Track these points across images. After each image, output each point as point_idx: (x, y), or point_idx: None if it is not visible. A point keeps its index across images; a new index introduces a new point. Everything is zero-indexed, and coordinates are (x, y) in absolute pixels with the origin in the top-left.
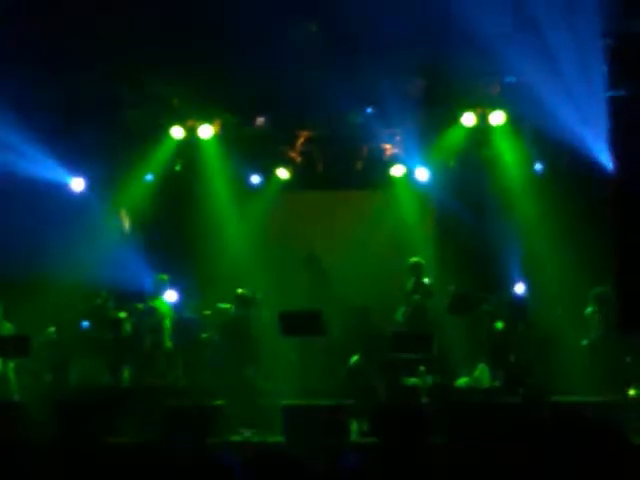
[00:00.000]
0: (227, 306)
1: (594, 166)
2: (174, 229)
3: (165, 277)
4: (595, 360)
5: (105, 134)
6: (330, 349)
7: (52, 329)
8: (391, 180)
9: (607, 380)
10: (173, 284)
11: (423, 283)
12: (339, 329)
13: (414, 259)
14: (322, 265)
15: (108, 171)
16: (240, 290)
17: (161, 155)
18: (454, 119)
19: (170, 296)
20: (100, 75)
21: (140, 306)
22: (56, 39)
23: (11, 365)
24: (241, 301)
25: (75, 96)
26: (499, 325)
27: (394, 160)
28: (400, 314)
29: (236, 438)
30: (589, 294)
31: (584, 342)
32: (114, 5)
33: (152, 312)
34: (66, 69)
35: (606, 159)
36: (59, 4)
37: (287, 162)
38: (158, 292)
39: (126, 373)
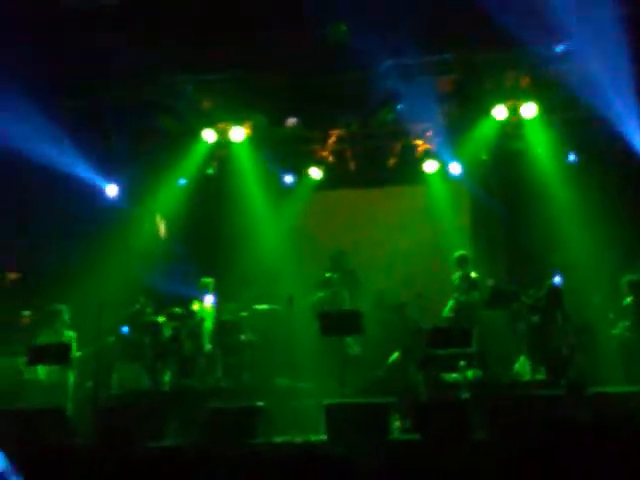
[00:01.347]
0: (264, 307)
1: (629, 155)
2: (209, 232)
3: (209, 280)
4: (631, 349)
5: (137, 139)
6: (370, 347)
7: None
8: (424, 176)
9: None
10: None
11: (470, 277)
12: (378, 327)
13: (460, 252)
14: (350, 262)
15: (142, 177)
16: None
17: (193, 159)
18: (486, 112)
19: (208, 299)
20: (131, 80)
21: (179, 310)
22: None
23: (71, 374)
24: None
25: (107, 103)
26: (536, 317)
27: (427, 156)
28: (448, 310)
29: (280, 438)
30: (621, 282)
31: (615, 331)
32: (143, 7)
33: (191, 315)
34: (98, 75)
35: None
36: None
37: (319, 161)
38: (203, 295)
39: (167, 377)
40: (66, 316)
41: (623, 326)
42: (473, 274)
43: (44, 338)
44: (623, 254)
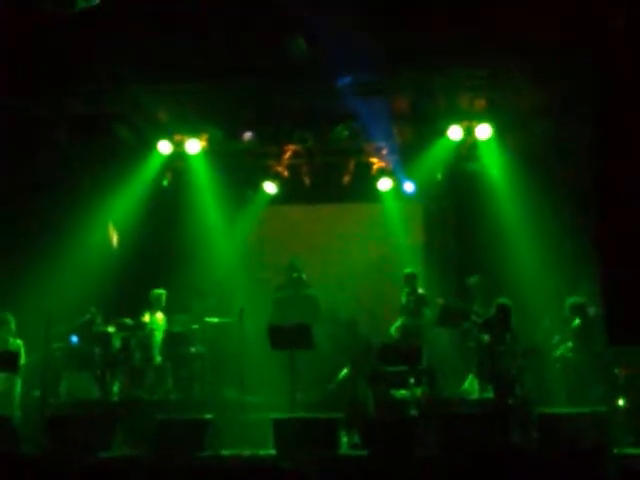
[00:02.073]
0: (215, 319)
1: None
2: (162, 243)
3: (161, 291)
4: (573, 371)
5: (92, 149)
6: (319, 362)
7: None
8: (379, 194)
9: (592, 391)
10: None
11: (418, 294)
12: (327, 342)
13: (409, 270)
14: (302, 273)
15: (95, 186)
16: None
17: (148, 170)
18: (441, 133)
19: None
20: (87, 89)
21: (129, 321)
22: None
23: (18, 382)
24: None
25: (62, 110)
26: (486, 337)
27: (381, 174)
28: (394, 329)
29: (228, 451)
30: (565, 305)
31: (557, 353)
32: (102, 21)
33: (141, 326)
34: (55, 84)
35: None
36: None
37: (274, 176)
38: (155, 307)
39: (116, 387)
40: (12, 324)
41: (565, 347)
42: (421, 291)
43: None
44: (571, 275)
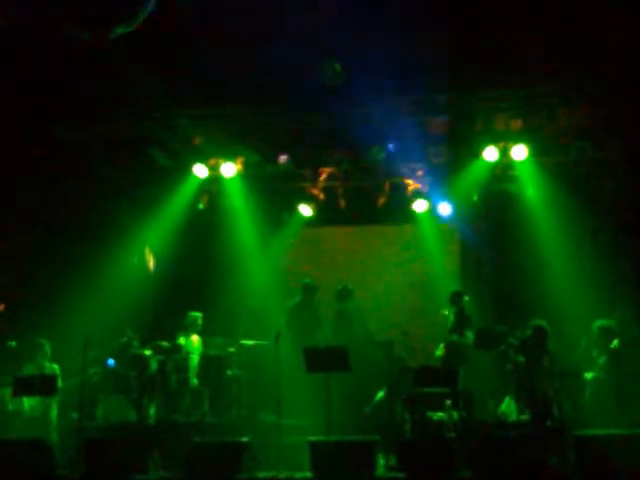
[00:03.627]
0: (251, 342)
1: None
2: (198, 266)
3: (197, 314)
4: (613, 393)
5: (128, 173)
6: (356, 384)
7: None
8: (414, 215)
9: (631, 413)
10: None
11: (464, 313)
12: (364, 364)
13: (455, 288)
14: (354, 299)
15: (132, 210)
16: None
17: (184, 193)
18: (476, 154)
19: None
20: (125, 113)
21: (165, 343)
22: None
23: (54, 406)
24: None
25: (100, 134)
26: (522, 358)
27: (416, 195)
28: (440, 349)
29: (264, 474)
30: (593, 327)
31: (588, 375)
32: (141, 40)
33: (178, 350)
34: (92, 110)
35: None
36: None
37: (310, 199)
38: (190, 329)
39: (152, 410)
40: (47, 349)
41: (600, 369)
42: (467, 310)
43: (27, 371)
44: (609, 297)
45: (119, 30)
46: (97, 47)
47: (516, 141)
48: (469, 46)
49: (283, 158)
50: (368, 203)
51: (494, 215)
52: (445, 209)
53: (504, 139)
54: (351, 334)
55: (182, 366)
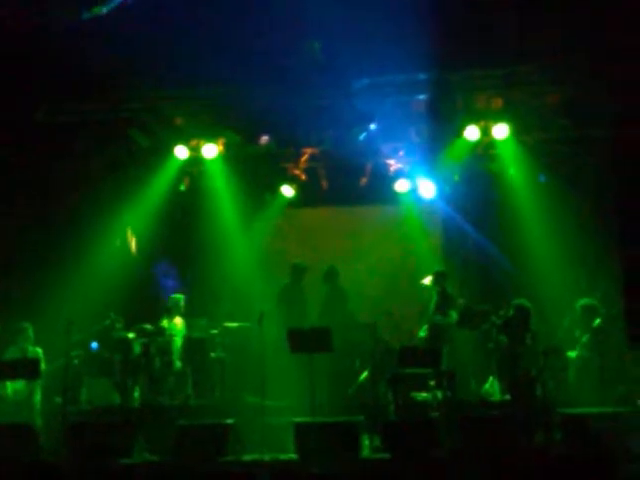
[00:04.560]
0: (234, 324)
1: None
2: (180, 248)
3: (179, 297)
4: (596, 371)
5: (109, 154)
6: (339, 365)
7: None
8: (396, 195)
9: (613, 391)
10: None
11: (447, 292)
12: (347, 345)
13: (439, 268)
14: (340, 280)
15: (113, 192)
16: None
17: (165, 175)
18: (458, 133)
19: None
20: (104, 94)
21: (149, 326)
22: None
23: (38, 390)
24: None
25: (80, 116)
26: (505, 338)
27: (398, 175)
28: (423, 330)
29: (249, 456)
30: (576, 306)
31: (572, 354)
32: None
33: (161, 332)
34: (72, 92)
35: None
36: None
37: (291, 180)
38: (173, 312)
39: (136, 393)
40: (30, 333)
41: (583, 347)
42: (449, 290)
43: (9, 355)
44: (591, 275)
45: (94, 10)
46: (76, 25)
47: (497, 120)
48: (450, 24)
49: (264, 139)
50: (350, 183)
51: (476, 194)
52: (428, 189)
53: (485, 118)
54: (341, 314)
55: (166, 349)
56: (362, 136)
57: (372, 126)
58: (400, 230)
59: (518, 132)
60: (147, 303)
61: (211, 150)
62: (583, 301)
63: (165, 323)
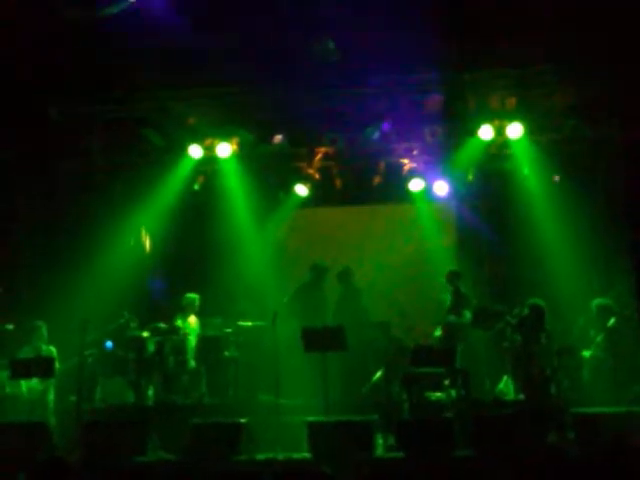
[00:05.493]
0: (248, 323)
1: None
2: (194, 247)
3: (194, 296)
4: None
5: (123, 154)
6: (353, 364)
7: None
8: (410, 194)
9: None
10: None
11: (461, 292)
12: (361, 344)
13: (452, 268)
14: (355, 280)
15: (127, 191)
16: None
17: (179, 174)
18: (472, 133)
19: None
20: (119, 94)
21: (163, 325)
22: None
23: (52, 389)
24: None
25: (94, 115)
26: (519, 337)
27: (412, 175)
28: (438, 329)
29: (262, 455)
30: (591, 306)
31: (586, 354)
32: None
33: (175, 331)
34: (85, 90)
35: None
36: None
37: (305, 179)
38: (187, 311)
39: (150, 392)
40: (44, 331)
41: (597, 347)
42: (463, 289)
43: (23, 354)
44: (605, 275)
45: (106, 10)
46: (88, 23)
47: (511, 119)
48: (464, 24)
49: (278, 138)
50: (364, 183)
51: (490, 194)
52: (441, 188)
53: (499, 117)
54: (355, 314)
55: (180, 347)
56: (376, 135)
57: (385, 125)
58: (414, 229)
59: (532, 132)
60: (161, 302)
61: (225, 149)
62: (598, 301)
63: (179, 322)
